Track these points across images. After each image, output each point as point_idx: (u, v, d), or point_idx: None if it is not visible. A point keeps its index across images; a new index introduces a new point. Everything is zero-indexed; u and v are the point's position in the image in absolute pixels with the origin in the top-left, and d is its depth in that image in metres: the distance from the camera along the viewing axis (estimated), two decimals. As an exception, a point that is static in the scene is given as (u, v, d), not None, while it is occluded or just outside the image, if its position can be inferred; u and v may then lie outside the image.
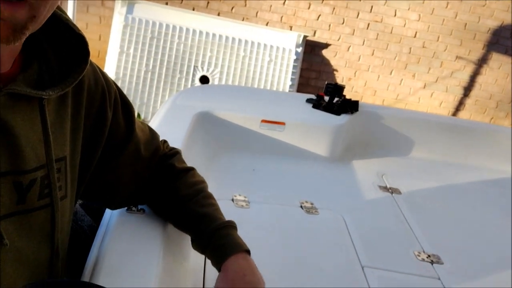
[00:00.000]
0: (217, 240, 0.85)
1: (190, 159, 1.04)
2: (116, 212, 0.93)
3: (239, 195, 1.36)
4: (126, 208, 0.93)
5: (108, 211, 0.97)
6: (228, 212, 0.94)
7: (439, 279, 1.16)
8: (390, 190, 1.60)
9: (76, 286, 0.52)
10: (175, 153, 0.96)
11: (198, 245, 0.88)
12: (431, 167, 1.87)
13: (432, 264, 1.22)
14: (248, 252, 0.86)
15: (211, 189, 0.98)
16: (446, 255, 1.27)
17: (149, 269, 0.80)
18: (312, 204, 1.39)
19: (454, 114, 4.25)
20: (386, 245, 1.29)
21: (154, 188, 0.91)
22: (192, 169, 0.97)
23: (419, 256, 1.25)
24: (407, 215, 1.45)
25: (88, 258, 0.84)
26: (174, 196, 0.91)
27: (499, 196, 1.74)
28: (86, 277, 0.78)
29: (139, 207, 0.95)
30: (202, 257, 1.02)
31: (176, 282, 0.90)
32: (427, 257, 1.25)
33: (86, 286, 0.52)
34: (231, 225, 0.88)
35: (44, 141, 0.64)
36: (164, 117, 1.51)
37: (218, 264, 0.84)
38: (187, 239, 0.91)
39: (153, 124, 1.41)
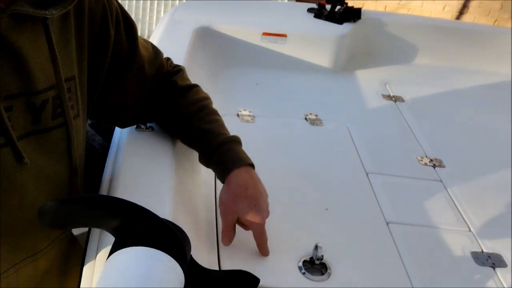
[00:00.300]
0: (221, 155, 0.87)
1: (192, 76, 1.04)
2: (126, 130, 0.95)
3: (244, 110, 1.37)
4: (135, 126, 0.95)
5: (117, 130, 0.99)
6: (233, 127, 0.95)
7: (440, 181, 1.21)
8: (393, 98, 1.60)
9: (109, 200, 0.55)
10: (179, 70, 0.96)
11: (204, 160, 0.91)
12: (433, 73, 1.86)
13: (434, 168, 1.26)
14: (252, 166, 0.89)
15: (216, 105, 0.99)
16: (448, 159, 1.30)
17: (164, 182, 0.84)
18: (316, 115, 1.41)
19: (458, 17, 4.15)
20: (390, 151, 1.32)
21: (160, 106, 0.92)
22: (195, 86, 0.97)
23: (421, 160, 1.28)
24: (410, 122, 1.47)
25: (103, 175, 0.87)
26: (178, 113, 0.92)
27: (502, 100, 1.74)
28: (103, 193, 0.82)
29: (148, 125, 0.97)
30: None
31: (189, 194, 0.94)
32: (429, 162, 1.28)
33: (118, 200, 0.55)
34: (235, 140, 0.90)
35: (51, 61, 0.64)
36: (163, 34, 1.49)
37: (222, 178, 0.87)
38: (197, 153, 0.94)
39: (152, 41, 1.38)
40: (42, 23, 0.62)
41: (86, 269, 0.69)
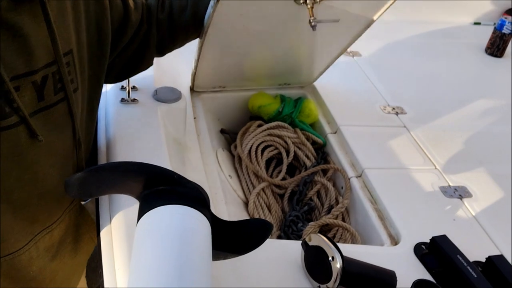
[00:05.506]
0: None
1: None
2: (111, 104, 0.98)
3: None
4: (120, 100, 0.97)
5: (101, 105, 1.00)
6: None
7: (404, 127, 1.30)
8: (351, 54, 1.68)
9: (131, 165, 0.58)
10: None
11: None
12: (386, 27, 1.94)
13: (397, 115, 1.35)
14: None
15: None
16: (408, 106, 1.40)
17: (158, 147, 0.88)
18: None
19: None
20: (354, 104, 1.40)
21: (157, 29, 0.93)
22: None
23: (385, 109, 1.37)
24: (370, 75, 1.55)
25: (98, 147, 0.89)
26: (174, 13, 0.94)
27: (451, 47, 1.87)
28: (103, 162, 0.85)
29: (132, 97, 0.99)
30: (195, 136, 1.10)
31: (180, 158, 0.98)
32: (392, 110, 1.37)
33: (140, 165, 0.58)
34: None
35: (50, 37, 0.65)
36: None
37: None
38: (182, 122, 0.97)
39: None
40: (39, 1, 0.63)
41: (103, 236, 0.72)
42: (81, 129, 0.76)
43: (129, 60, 0.91)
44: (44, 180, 0.69)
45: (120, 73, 0.92)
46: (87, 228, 0.89)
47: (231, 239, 0.64)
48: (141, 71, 0.97)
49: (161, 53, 1.00)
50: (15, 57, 0.61)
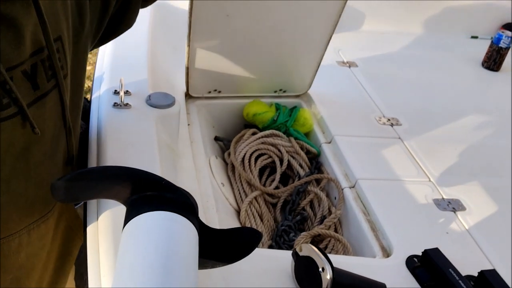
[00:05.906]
0: None
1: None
2: (103, 108, 0.96)
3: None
4: (112, 104, 0.96)
5: (94, 108, 1.00)
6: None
7: (399, 138, 1.30)
8: (347, 64, 1.68)
9: (118, 170, 0.57)
10: None
11: None
12: (383, 38, 1.95)
13: (392, 126, 1.35)
14: None
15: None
16: (403, 117, 1.40)
17: (149, 153, 0.87)
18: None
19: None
20: (350, 114, 1.39)
21: None
22: None
23: (380, 120, 1.37)
24: (366, 86, 1.55)
25: (88, 151, 0.88)
26: None
27: (444, 59, 1.87)
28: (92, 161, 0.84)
29: (125, 102, 0.98)
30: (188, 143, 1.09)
31: (172, 164, 0.97)
32: (387, 121, 1.37)
33: (127, 169, 0.58)
34: None
35: (41, 26, 0.63)
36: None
37: None
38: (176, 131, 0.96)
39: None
40: None
41: (89, 242, 0.71)
42: (71, 115, 0.75)
43: (112, 22, 0.86)
44: (37, 168, 0.68)
45: (104, 36, 0.88)
46: (68, 215, 0.87)
47: (219, 247, 0.63)
48: (126, 30, 0.92)
49: (144, 6, 0.94)
50: (10, 48, 0.60)
